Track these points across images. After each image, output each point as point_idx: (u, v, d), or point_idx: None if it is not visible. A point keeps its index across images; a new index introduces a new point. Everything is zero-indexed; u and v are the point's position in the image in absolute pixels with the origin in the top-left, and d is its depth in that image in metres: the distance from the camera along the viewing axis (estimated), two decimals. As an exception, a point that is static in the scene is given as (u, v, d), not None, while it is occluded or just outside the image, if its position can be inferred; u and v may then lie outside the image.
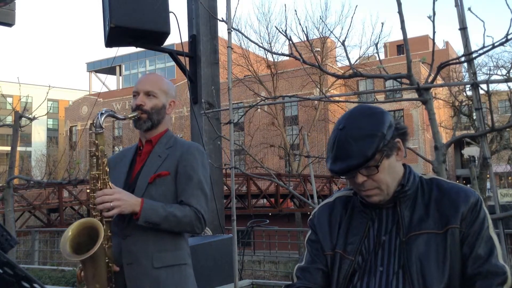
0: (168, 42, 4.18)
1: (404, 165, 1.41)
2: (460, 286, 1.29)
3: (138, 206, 1.86)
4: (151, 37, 3.82)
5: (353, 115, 1.35)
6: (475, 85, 2.32)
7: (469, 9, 2.35)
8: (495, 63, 22.18)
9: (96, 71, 49.36)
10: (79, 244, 1.80)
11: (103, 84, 47.56)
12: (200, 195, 1.99)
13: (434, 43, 2.35)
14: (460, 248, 1.29)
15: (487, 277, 1.27)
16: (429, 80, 2.36)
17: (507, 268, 1.29)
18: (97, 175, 1.88)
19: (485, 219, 1.32)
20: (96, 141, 1.90)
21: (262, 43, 29.70)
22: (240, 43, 27.19)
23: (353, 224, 1.40)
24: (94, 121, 1.93)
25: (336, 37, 4.64)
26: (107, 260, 1.86)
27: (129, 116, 2.03)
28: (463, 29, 2.31)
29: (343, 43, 2.76)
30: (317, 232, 1.46)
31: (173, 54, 4.20)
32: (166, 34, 3.80)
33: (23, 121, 6.92)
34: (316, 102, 25.76)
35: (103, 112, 1.94)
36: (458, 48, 42.97)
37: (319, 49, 28.17)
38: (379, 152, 1.29)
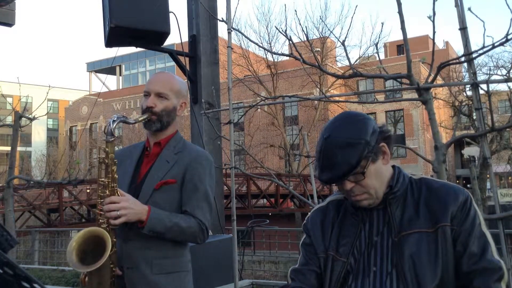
0: (168, 42, 4.18)
1: (393, 166, 1.43)
2: (455, 283, 1.30)
3: (144, 215, 1.84)
4: (151, 37, 3.82)
5: (337, 124, 1.38)
6: (475, 85, 2.32)
7: (469, 9, 2.35)
8: (495, 63, 22.25)
9: (96, 71, 49.36)
10: (85, 252, 1.79)
11: (103, 84, 47.60)
12: (205, 206, 1.98)
13: (434, 43, 2.35)
14: (453, 246, 1.31)
15: (483, 273, 1.27)
16: (429, 80, 2.37)
17: (502, 263, 1.30)
18: (106, 183, 1.86)
19: (476, 216, 1.33)
20: (107, 149, 1.88)
21: (262, 43, 29.76)
22: (240, 43, 27.23)
23: (345, 227, 1.43)
24: (106, 129, 1.89)
25: (336, 37, 4.64)
26: (111, 266, 1.86)
27: (140, 119, 2.00)
28: (463, 29, 2.31)
29: (343, 43, 2.76)
30: (310, 235, 1.49)
31: (173, 54, 4.20)
32: (166, 34, 3.79)
33: (23, 121, 6.91)
34: (316, 102, 25.76)
35: (115, 119, 1.89)
36: (458, 48, 43.00)
37: (319, 49, 28.19)
38: (364, 159, 1.31)
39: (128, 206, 1.83)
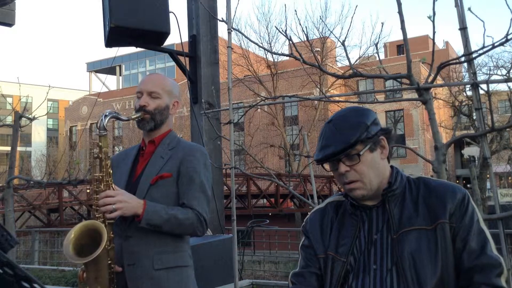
0: (168, 42, 4.18)
1: (391, 166, 1.45)
2: (454, 280, 1.31)
3: (140, 209, 1.86)
4: (151, 37, 3.82)
5: (341, 112, 1.44)
6: (475, 85, 2.32)
7: (469, 9, 2.35)
8: (495, 63, 22.21)
9: (96, 71, 49.34)
10: (82, 246, 1.79)
11: (103, 84, 47.59)
12: (202, 197, 1.99)
13: (434, 43, 2.35)
14: (453, 243, 1.32)
15: (483, 269, 1.28)
16: (429, 80, 2.36)
17: (501, 259, 1.32)
18: (100, 177, 1.88)
19: (474, 213, 1.34)
20: (100, 143, 1.89)
21: (262, 43, 29.76)
22: (240, 43, 27.23)
23: (344, 227, 1.43)
24: (98, 123, 1.91)
25: (336, 37, 4.64)
26: (109, 262, 1.86)
27: (133, 117, 2.04)
28: (463, 29, 2.31)
29: (343, 43, 2.76)
30: (309, 237, 1.50)
31: (173, 54, 4.20)
32: (166, 34, 3.79)
33: (23, 121, 6.90)
34: (316, 102, 25.76)
35: (107, 114, 1.93)
36: (458, 48, 43.01)
37: (319, 49, 28.19)
38: (361, 142, 1.35)
39: (123, 200, 1.84)
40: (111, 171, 1.90)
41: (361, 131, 1.34)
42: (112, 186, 1.88)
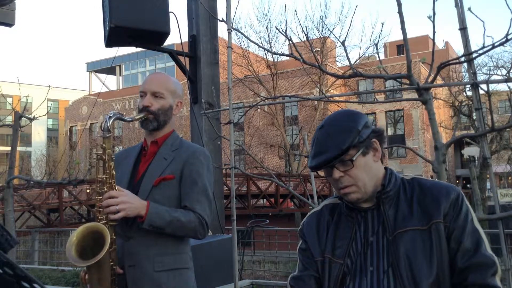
0: (168, 42, 4.18)
1: (385, 168, 1.45)
2: (450, 280, 1.31)
3: (143, 210, 1.85)
4: (151, 37, 3.82)
5: (332, 116, 1.44)
6: (475, 85, 2.32)
7: (469, 9, 2.35)
8: (495, 63, 22.21)
9: (96, 71, 49.35)
10: (84, 248, 1.79)
11: (103, 84, 47.60)
12: (205, 201, 1.99)
13: (434, 43, 2.35)
14: (447, 243, 1.32)
15: (478, 269, 1.29)
16: (429, 80, 2.37)
17: (496, 258, 1.32)
18: (104, 179, 1.87)
19: (468, 213, 1.35)
20: (104, 145, 1.88)
21: (262, 43, 29.76)
22: (240, 43, 27.24)
23: (340, 229, 1.44)
24: (102, 125, 1.90)
25: (336, 37, 4.63)
26: (111, 263, 1.86)
27: (136, 117, 2.02)
28: (463, 29, 2.31)
29: (343, 43, 2.76)
30: (306, 240, 1.50)
31: (173, 54, 4.20)
32: (166, 34, 3.79)
33: (23, 121, 6.90)
34: (316, 102, 25.76)
35: (111, 115, 1.91)
36: (458, 48, 43.02)
37: (319, 49, 28.19)
38: (354, 147, 1.35)
39: (127, 201, 1.83)
40: (114, 173, 1.89)
41: (353, 136, 1.34)
42: (115, 188, 1.87)
